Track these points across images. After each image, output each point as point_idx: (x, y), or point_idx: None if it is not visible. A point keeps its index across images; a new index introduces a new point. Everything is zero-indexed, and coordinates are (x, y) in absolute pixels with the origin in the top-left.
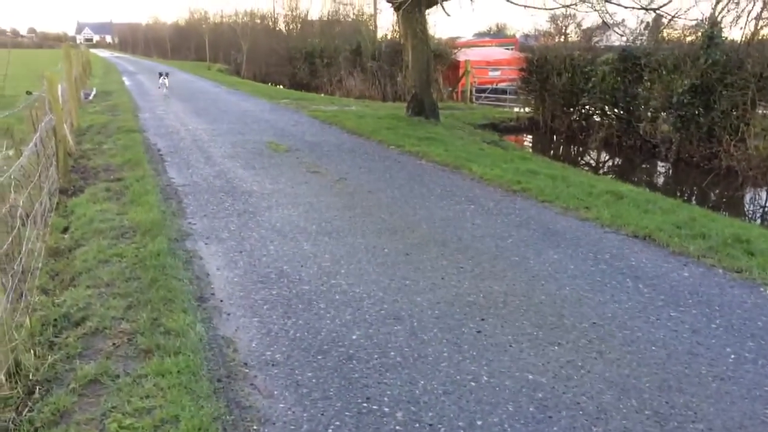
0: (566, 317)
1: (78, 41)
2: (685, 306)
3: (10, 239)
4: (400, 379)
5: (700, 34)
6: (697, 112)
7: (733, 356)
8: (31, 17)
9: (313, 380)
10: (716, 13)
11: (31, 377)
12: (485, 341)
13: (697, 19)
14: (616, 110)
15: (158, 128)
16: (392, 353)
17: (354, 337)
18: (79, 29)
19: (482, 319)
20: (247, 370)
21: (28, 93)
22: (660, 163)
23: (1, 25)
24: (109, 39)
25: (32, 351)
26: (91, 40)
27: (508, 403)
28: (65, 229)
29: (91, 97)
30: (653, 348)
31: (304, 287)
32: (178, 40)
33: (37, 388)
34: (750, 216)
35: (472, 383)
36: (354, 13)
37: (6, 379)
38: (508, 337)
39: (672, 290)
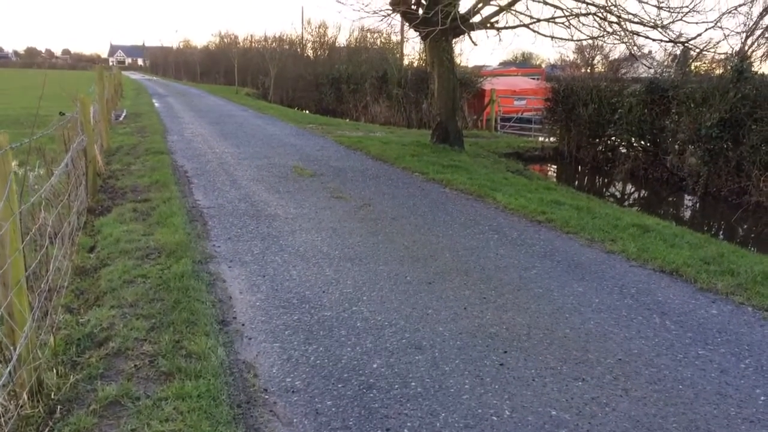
0: (591, 352)
1: (111, 63)
2: (714, 344)
3: (39, 258)
4: (420, 410)
5: (729, 67)
6: (725, 146)
7: (763, 398)
8: (66, 38)
9: (333, 409)
10: (746, 48)
11: (53, 396)
12: (508, 374)
13: (726, 53)
14: (642, 142)
15: (186, 150)
16: (413, 383)
17: (375, 365)
18: (112, 51)
19: (505, 352)
20: (267, 396)
21: (61, 114)
22: (687, 197)
23: (37, 46)
24: (140, 61)
25: (55, 370)
26: (123, 62)
27: None
28: (92, 249)
29: (121, 118)
30: (680, 387)
31: (325, 313)
32: (208, 64)
33: (59, 407)
34: None
35: (494, 417)
36: (381, 41)
37: (28, 398)
38: (531, 371)
39: (700, 328)
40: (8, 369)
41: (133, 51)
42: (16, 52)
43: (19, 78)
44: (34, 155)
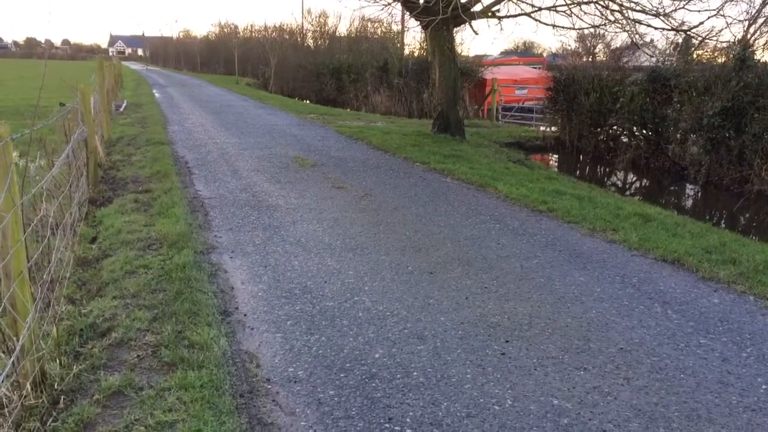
0: (592, 341)
1: (110, 53)
2: (715, 333)
3: (40, 249)
4: (422, 399)
5: (731, 56)
6: (727, 135)
7: (764, 386)
8: (66, 29)
9: (335, 398)
10: (748, 36)
11: (56, 387)
12: (509, 364)
13: (728, 41)
14: (644, 131)
15: (186, 141)
16: (415, 373)
17: (377, 355)
18: (112, 42)
19: (507, 341)
20: (269, 386)
21: (62, 104)
22: (689, 186)
23: (37, 37)
24: (140, 52)
25: (58, 361)
26: (123, 52)
27: (533, 429)
28: (93, 239)
29: (122, 109)
30: (682, 376)
31: (327, 303)
32: (208, 54)
33: (62, 398)
34: None
35: (496, 407)
36: (381, 31)
37: (32, 389)
38: (533, 361)
39: (701, 317)
40: (11, 360)
41: (133, 41)
42: (15, 43)
43: (18, 68)
44: (34, 146)
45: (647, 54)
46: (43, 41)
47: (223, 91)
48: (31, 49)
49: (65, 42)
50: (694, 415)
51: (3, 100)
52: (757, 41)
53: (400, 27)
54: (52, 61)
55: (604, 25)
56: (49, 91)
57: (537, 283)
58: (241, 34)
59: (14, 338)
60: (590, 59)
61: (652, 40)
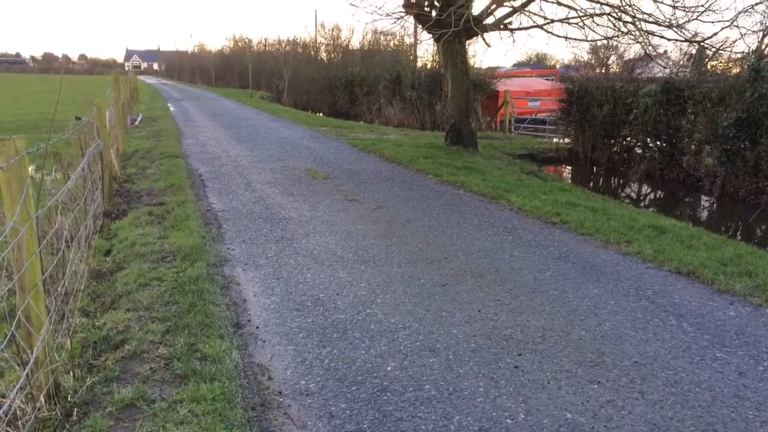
0: (606, 355)
1: (126, 68)
2: (731, 347)
3: (55, 261)
4: (434, 413)
5: (746, 66)
6: (743, 146)
7: None
8: (83, 44)
9: (347, 411)
10: (763, 46)
11: (69, 399)
12: (522, 377)
13: (742, 52)
14: (658, 142)
15: (200, 154)
16: (427, 386)
17: (389, 368)
18: (128, 56)
19: (519, 354)
20: (281, 399)
21: (77, 118)
22: (704, 197)
23: (54, 52)
24: (156, 66)
25: (72, 373)
26: (138, 66)
27: None
28: (108, 252)
29: (137, 123)
30: (697, 390)
31: (339, 316)
32: (223, 68)
33: (75, 410)
34: None
35: (509, 420)
36: (394, 44)
37: (45, 401)
38: (546, 374)
39: (717, 330)
40: (25, 372)
41: (149, 55)
42: (33, 58)
43: (36, 83)
44: (50, 160)
45: (661, 65)
46: (60, 56)
47: (236, 105)
48: (48, 63)
49: (82, 56)
50: (710, 429)
51: (20, 114)
52: None
53: (412, 40)
54: (68, 76)
55: (617, 36)
56: (66, 106)
57: (550, 296)
58: (255, 48)
59: (28, 350)
60: (603, 71)
61: (665, 52)
